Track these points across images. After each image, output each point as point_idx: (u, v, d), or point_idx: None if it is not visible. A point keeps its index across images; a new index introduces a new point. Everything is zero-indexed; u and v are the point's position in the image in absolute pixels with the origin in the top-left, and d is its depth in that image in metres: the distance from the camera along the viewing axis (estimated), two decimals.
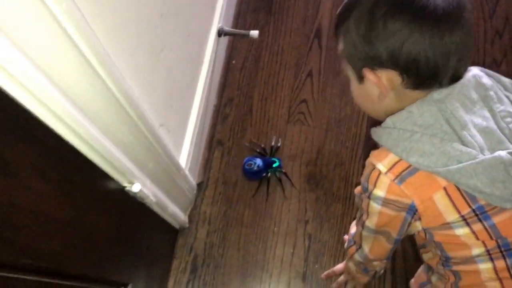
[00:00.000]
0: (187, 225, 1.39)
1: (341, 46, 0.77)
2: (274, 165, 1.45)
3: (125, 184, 0.85)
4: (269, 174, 1.45)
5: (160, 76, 0.95)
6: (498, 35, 1.68)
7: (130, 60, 0.76)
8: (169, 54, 0.99)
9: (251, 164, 1.44)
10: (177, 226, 1.36)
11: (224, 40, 1.56)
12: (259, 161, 1.44)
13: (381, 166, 0.75)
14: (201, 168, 1.45)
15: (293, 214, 1.42)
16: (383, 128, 0.76)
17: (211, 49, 1.37)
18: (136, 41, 0.79)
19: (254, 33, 1.42)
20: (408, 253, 1.37)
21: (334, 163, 1.49)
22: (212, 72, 1.41)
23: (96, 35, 0.59)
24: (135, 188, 0.86)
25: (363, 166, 1.47)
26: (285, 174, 1.46)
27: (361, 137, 1.52)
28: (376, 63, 0.72)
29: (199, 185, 1.44)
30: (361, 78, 0.77)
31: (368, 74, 0.74)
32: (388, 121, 0.76)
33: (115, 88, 0.67)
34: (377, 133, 0.77)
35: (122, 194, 0.86)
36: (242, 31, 1.44)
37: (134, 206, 0.95)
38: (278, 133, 1.52)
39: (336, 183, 1.46)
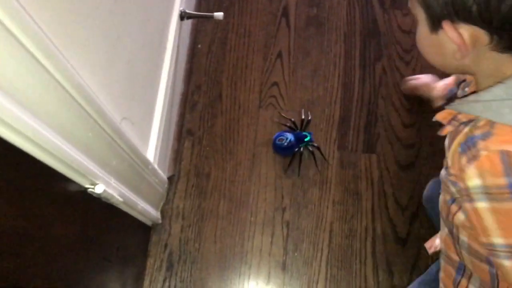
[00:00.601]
0: (160, 221, 1.33)
1: None
2: (306, 140, 1.39)
3: (87, 185, 0.78)
4: (301, 149, 1.40)
5: (118, 66, 0.88)
6: None
7: (82, 50, 0.69)
8: (128, 41, 0.91)
9: (282, 139, 1.39)
10: (149, 223, 1.29)
11: (188, 24, 1.48)
12: (290, 136, 1.39)
13: None
14: (171, 161, 1.38)
15: (269, 202, 1.37)
16: (500, 101, 0.61)
17: (173, 34, 1.29)
18: (88, 29, 0.71)
19: (219, 15, 1.35)
20: (388, 236, 1.34)
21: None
22: (177, 59, 1.34)
23: (37, 23, 0.52)
24: (98, 189, 0.79)
25: (338, 148, 1.44)
26: (318, 147, 1.41)
27: (334, 118, 1.47)
28: (461, 16, 0.58)
29: (170, 178, 1.37)
30: (435, 27, 0.63)
31: (448, 28, 0.60)
32: (499, 91, 0.61)
33: (65, 82, 0.60)
34: (489, 109, 0.62)
35: (85, 197, 0.79)
36: (206, 14, 1.37)
37: (100, 208, 0.88)
38: (250, 118, 1.46)
39: (312, 167, 1.41)
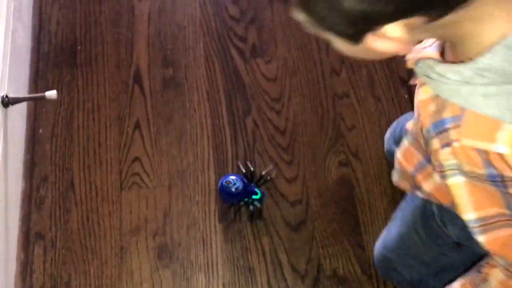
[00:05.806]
0: None
1: (302, 17, 0.53)
2: (254, 196, 1.22)
3: None
4: (241, 203, 1.23)
5: None
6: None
7: None
8: None
9: (230, 182, 1.21)
10: None
11: (20, 109, 1.25)
12: (239, 184, 1.21)
13: (502, 147, 0.50)
14: (18, 276, 1.13)
15: None
16: (471, 85, 0.51)
17: None
18: None
19: (51, 94, 1.14)
20: None
21: (187, 225, 1.25)
22: (6, 152, 1.11)
23: None
24: None
25: (220, 221, 1.27)
26: (260, 211, 1.24)
27: (210, 186, 1.30)
28: (380, 21, 0.49)
29: None
30: (356, 42, 0.53)
31: (372, 41, 0.51)
32: (468, 72, 0.51)
33: None
34: (458, 94, 0.53)
35: None
36: (35, 95, 1.16)
37: None
38: (111, 204, 1.25)
39: (193, 248, 1.22)
